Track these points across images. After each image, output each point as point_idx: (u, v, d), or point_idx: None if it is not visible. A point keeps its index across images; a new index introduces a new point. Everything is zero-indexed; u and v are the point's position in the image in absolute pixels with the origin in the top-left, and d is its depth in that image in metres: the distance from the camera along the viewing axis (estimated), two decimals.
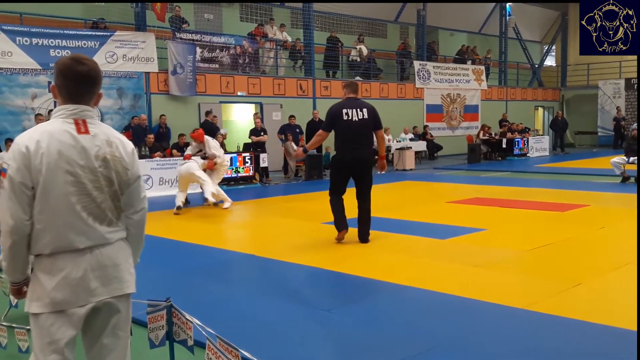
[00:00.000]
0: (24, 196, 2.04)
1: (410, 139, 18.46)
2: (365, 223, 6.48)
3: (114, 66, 13.09)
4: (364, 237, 6.47)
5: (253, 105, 16.46)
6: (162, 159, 11.92)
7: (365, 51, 19.24)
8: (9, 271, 2.14)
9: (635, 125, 12.80)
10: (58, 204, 2.07)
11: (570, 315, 3.92)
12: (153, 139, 12.43)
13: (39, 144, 2.05)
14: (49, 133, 2.09)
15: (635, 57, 24.05)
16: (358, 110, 6.32)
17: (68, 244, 2.09)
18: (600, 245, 6.27)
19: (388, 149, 17.84)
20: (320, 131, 6.51)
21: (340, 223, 6.50)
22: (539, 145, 20.67)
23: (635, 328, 3.64)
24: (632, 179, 11.53)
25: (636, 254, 4.19)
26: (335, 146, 6.51)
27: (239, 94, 15.61)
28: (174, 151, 12.55)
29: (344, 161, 6.42)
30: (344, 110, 6.29)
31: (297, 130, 14.96)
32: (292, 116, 15.09)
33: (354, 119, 6.28)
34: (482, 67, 22.79)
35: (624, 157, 11.80)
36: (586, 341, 3.52)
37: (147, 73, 13.73)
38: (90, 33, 13.03)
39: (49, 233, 2.07)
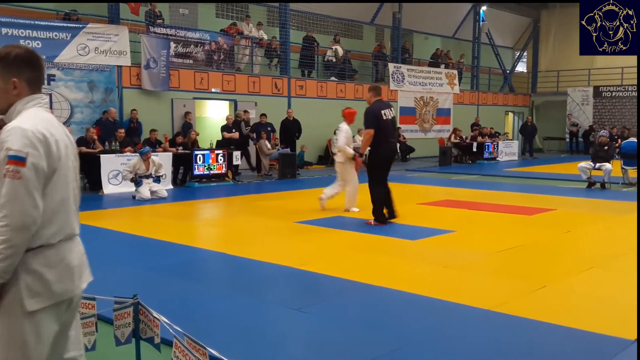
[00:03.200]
0: (41, 186, 1.95)
1: None
2: (393, 201, 7.69)
3: (85, 59, 12.85)
4: (393, 214, 7.67)
5: (227, 102, 16.36)
6: (133, 154, 11.73)
7: (340, 52, 19.29)
8: (8, 270, 1.91)
9: (602, 132, 13.10)
10: (66, 191, 2.07)
11: (536, 317, 4.00)
12: (124, 134, 12.24)
13: (50, 132, 2.02)
14: (49, 122, 2.07)
15: (603, 66, 24.68)
16: (388, 110, 7.57)
17: (71, 230, 2.10)
18: (566, 249, 6.40)
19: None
20: (369, 130, 7.45)
21: (383, 216, 7.54)
22: (509, 150, 21.03)
23: (591, 329, 3.75)
24: (598, 185, 11.82)
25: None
26: (374, 142, 7.44)
27: (213, 90, 15.49)
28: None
29: (386, 153, 7.57)
30: (382, 111, 7.44)
31: (269, 128, 14.88)
32: (263, 114, 15.02)
33: (388, 118, 7.49)
34: (455, 71, 23.07)
35: (591, 163, 12.09)
36: (550, 343, 3.59)
37: (120, 67, 13.52)
38: (62, 24, 12.76)
39: (57, 222, 2.03)
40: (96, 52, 12.99)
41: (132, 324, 2.75)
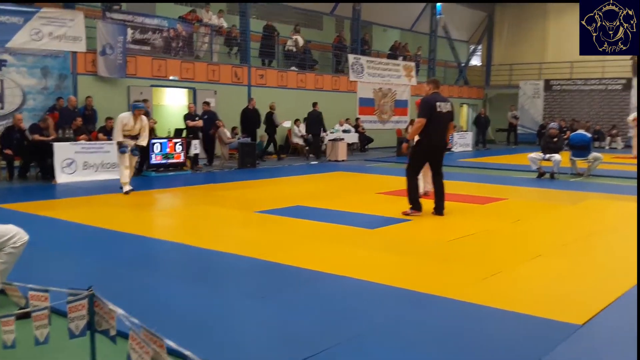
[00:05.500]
0: None
1: (344, 131, 18.73)
2: (441, 198, 7.70)
3: (39, 44, 12.44)
4: (440, 210, 7.66)
5: (186, 90, 16.12)
6: (87, 142, 11.48)
7: (301, 42, 19.25)
8: None
9: (552, 124, 13.55)
10: None
11: (489, 303, 4.14)
12: (81, 122, 11.95)
13: None
14: None
15: (553, 60, 25.38)
16: (445, 103, 7.55)
17: None
18: (517, 237, 6.63)
19: (322, 139, 18.02)
20: (420, 119, 7.44)
21: (419, 204, 7.67)
22: (463, 141, 21.51)
23: (543, 315, 3.92)
24: (547, 175, 12.24)
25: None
26: (422, 132, 7.42)
27: (171, 78, 15.24)
28: (100, 135, 12.14)
29: (432, 145, 7.53)
30: (437, 103, 7.43)
31: (206, 116, 14.18)
32: (205, 102, 14.72)
33: (443, 111, 7.46)
34: (413, 64, 23.36)
35: (541, 154, 12.50)
36: (502, 328, 3.74)
37: (74, 52, 13.14)
38: (14, 8, 12.27)
39: None
40: (50, 37, 12.59)
41: (87, 316, 2.72)
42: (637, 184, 11.07)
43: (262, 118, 15.88)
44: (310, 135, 17.37)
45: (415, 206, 7.68)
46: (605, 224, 7.50)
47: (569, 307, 4.11)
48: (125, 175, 9.43)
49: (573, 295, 4.39)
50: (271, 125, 16.37)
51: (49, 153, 10.84)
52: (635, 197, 9.66)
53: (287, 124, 17.00)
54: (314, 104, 17.00)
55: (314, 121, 16.99)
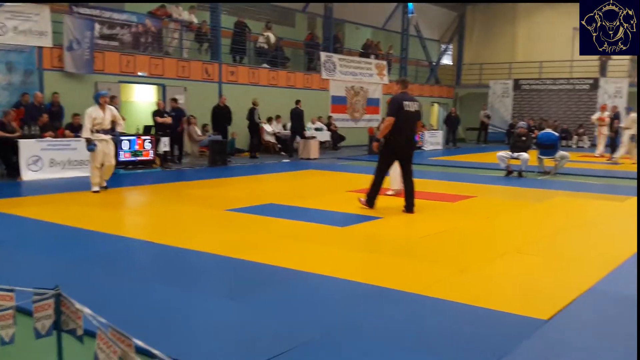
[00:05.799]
0: None
1: (316, 129, 18.73)
2: (411, 195, 7.79)
3: (3, 39, 12.10)
4: (410, 208, 7.74)
5: (155, 86, 15.90)
6: (54, 139, 11.25)
7: (273, 39, 19.17)
8: None
9: (521, 123, 13.81)
10: None
11: (458, 299, 4.20)
12: (47, 118, 11.68)
13: None
14: None
15: (523, 60, 25.81)
16: (412, 102, 7.71)
17: None
18: (485, 234, 6.74)
19: (293, 137, 18.00)
20: (389, 118, 7.60)
21: (373, 201, 7.87)
22: (433, 140, 21.75)
23: (518, 312, 4.00)
24: (515, 173, 12.47)
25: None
26: (392, 131, 7.57)
27: (139, 74, 15.00)
28: (67, 131, 11.90)
29: (400, 143, 7.68)
30: (405, 102, 7.61)
31: (174, 113, 14.04)
32: (173, 99, 14.57)
33: (410, 110, 7.64)
34: (385, 62, 23.48)
35: (509, 152, 12.73)
36: (471, 323, 3.79)
37: (40, 48, 12.83)
38: None
39: None
40: (15, 31, 12.26)
41: (54, 315, 2.67)
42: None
43: (233, 115, 15.74)
44: (292, 133, 17.30)
45: (370, 202, 7.90)
46: (571, 221, 7.68)
47: (535, 302, 4.20)
48: (95, 175, 9.22)
49: (540, 291, 4.49)
50: (253, 121, 16.26)
51: (14, 149, 10.58)
52: (600, 195, 9.92)
53: (268, 128, 17.20)
54: (297, 102, 17.02)
55: (297, 118, 16.94)
